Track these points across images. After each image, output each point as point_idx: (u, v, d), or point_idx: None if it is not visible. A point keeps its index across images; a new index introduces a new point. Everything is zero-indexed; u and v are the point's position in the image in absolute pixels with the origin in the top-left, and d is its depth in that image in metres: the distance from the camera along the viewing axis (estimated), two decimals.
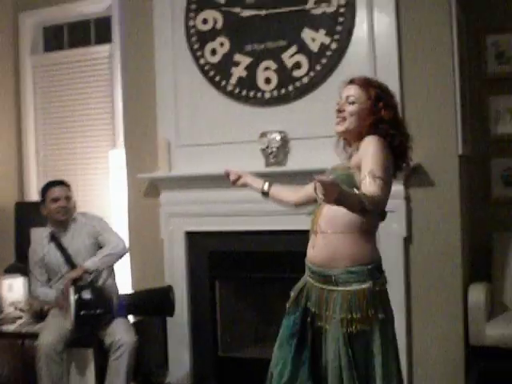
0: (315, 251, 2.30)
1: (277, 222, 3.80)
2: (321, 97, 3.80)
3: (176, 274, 4.11)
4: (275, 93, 3.93)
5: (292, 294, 2.41)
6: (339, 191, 1.86)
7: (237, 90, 4.01)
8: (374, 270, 2.27)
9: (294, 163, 3.88)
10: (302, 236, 3.54)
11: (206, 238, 4.04)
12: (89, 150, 4.99)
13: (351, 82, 2.38)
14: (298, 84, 3.88)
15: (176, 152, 4.10)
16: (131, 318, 3.84)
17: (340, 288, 2.24)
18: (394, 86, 3.47)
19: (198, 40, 4.09)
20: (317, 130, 3.75)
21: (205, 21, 4.07)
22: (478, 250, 4.00)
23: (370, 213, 2.01)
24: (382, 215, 2.27)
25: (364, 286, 2.22)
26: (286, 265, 3.83)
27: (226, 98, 4.04)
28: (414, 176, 3.64)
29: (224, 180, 2.91)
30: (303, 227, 3.27)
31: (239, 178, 2.68)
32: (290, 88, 3.90)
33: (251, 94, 3.99)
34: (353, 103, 2.32)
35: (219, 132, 4.02)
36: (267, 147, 3.89)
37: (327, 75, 3.78)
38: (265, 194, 2.63)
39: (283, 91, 3.92)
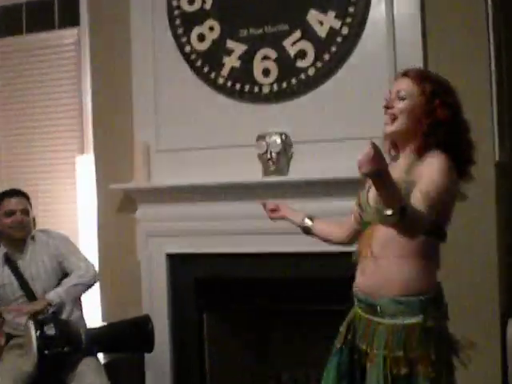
0: (365, 278, 2.19)
1: (277, 243, 3.56)
2: (330, 92, 3.55)
3: (156, 303, 3.87)
4: (275, 87, 3.63)
5: (341, 329, 2.29)
6: (385, 167, 1.77)
7: (229, 84, 3.71)
8: (429, 301, 2.11)
9: (297, 172, 3.60)
10: (308, 259, 3.51)
11: (192, 261, 3.83)
12: (52, 154, 4.66)
13: (404, 74, 2.21)
14: (302, 76, 3.57)
15: (156, 158, 3.86)
16: (102, 356, 3.62)
17: (386, 320, 2.12)
18: None
19: (183, 23, 3.80)
20: (326, 132, 3.53)
21: (191, 0, 3.78)
22: None
23: (407, 228, 1.90)
24: (442, 236, 2.15)
25: (414, 320, 2.08)
26: (289, 294, 3.65)
27: (216, 92, 3.76)
28: None
29: (216, 192, 3.11)
30: (308, 249, 3.30)
31: (276, 209, 2.61)
32: (294, 81, 3.59)
33: (246, 88, 3.68)
34: (403, 99, 2.15)
35: (208, 134, 3.76)
36: (266, 152, 3.61)
37: (337, 66, 3.51)
38: (306, 230, 2.52)
39: (285, 85, 3.61)
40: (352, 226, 2.38)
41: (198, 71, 3.75)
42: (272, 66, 3.60)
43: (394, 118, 2.14)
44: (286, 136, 3.59)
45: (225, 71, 3.68)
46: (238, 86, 3.69)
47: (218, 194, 3.62)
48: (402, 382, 2.06)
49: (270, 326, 3.98)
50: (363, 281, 2.19)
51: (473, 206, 3.28)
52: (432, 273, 2.16)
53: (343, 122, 3.49)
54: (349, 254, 2.98)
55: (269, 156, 3.58)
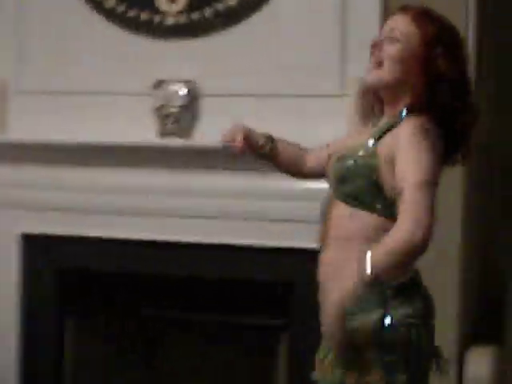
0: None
1: (177, 229, 3.16)
2: (254, 31, 3.12)
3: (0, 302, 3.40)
4: (183, 18, 3.14)
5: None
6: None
7: (121, 9, 3.16)
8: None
9: (205, 135, 3.09)
10: (218, 253, 3.12)
11: (56, 247, 3.29)
12: None
13: (402, 10, 1.90)
14: (219, 7, 3.08)
15: (16, 102, 3.31)
16: None
17: None
18: (373, 23, 2.91)
19: None
20: (246, 83, 3.11)
21: None
22: (486, 299, 3.47)
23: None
24: None
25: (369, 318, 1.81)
26: (185, 297, 3.24)
27: (103, 20, 3.20)
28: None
29: (94, 155, 2.92)
30: (219, 240, 3.04)
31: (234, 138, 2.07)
32: (208, 12, 3.11)
33: (144, 16, 3.16)
34: (397, 41, 1.83)
35: (89, 75, 3.21)
36: (164, 105, 3.13)
37: None
38: (266, 152, 2.10)
39: (196, 16, 3.12)
40: (316, 160, 2.05)
41: None
42: None
43: (378, 64, 1.84)
44: (194, 85, 3.11)
45: None
46: (132, 13, 3.16)
47: (96, 157, 3.14)
48: None
49: (160, 337, 3.51)
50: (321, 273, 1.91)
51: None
52: None
53: (273, 72, 3.08)
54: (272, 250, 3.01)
55: (168, 111, 3.11)
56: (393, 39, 1.83)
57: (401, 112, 1.81)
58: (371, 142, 1.83)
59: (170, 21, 3.11)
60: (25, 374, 3.37)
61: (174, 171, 3.15)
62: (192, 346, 3.54)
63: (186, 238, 3.15)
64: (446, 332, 2.85)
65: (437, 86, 1.79)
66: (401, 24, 1.85)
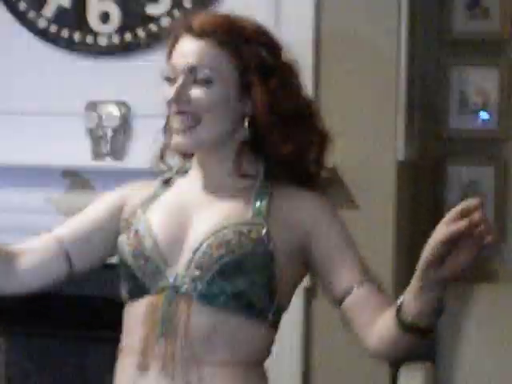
0: None
1: None
2: None
3: None
4: (116, 38, 3.11)
5: None
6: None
7: (53, 29, 3.13)
8: None
9: (138, 156, 3.00)
10: None
11: None
12: None
13: (192, 31, 1.34)
14: (153, 27, 3.05)
15: None
16: None
17: None
18: (305, 57, 2.67)
19: None
20: None
21: None
22: None
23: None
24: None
25: None
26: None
27: (35, 39, 3.16)
28: (329, 191, 2.78)
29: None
30: None
31: None
32: (141, 33, 3.07)
33: (76, 36, 3.12)
34: (209, 82, 1.33)
35: (20, 94, 3.15)
36: (98, 127, 3.09)
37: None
38: None
39: (129, 37, 3.10)
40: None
41: (13, 9, 3.11)
42: (113, 10, 3.06)
43: (194, 122, 1.31)
44: (127, 107, 3.07)
45: (48, 11, 3.10)
46: (65, 33, 3.10)
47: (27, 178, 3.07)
48: None
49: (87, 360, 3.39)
50: None
51: (367, 218, 2.93)
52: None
53: None
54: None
55: (101, 132, 3.06)
56: (201, 80, 1.34)
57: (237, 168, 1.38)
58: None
59: (102, 41, 3.08)
60: None
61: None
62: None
63: None
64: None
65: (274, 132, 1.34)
66: (204, 54, 1.35)
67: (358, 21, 3.01)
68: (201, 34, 1.31)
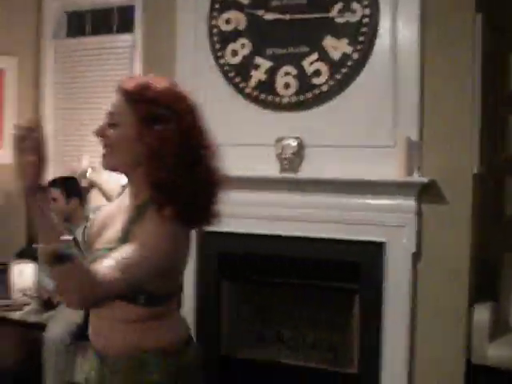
0: (92, 331, 1.80)
1: (288, 227, 3.91)
2: (339, 106, 3.86)
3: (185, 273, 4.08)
4: (293, 98, 3.94)
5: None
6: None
7: (255, 93, 4.03)
8: (157, 357, 1.74)
9: (307, 171, 3.93)
10: (304, 243, 3.83)
11: (215, 238, 3.83)
12: None
13: (120, 88, 1.67)
14: (316, 91, 3.89)
15: None
16: None
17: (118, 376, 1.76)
18: (413, 99, 3.63)
19: (220, 40, 4.10)
20: (332, 139, 3.85)
21: (228, 21, 4.08)
22: (487, 269, 4.00)
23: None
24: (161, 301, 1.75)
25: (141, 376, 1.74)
26: (290, 270, 3.95)
27: (244, 100, 4.05)
28: (426, 192, 3.70)
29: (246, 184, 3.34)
30: (304, 234, 3.77)
31: None
32: (309, 95, 3.91)
33: (269, 98, 4.00)
34: (115, 125, 1.64)
35: (236, 133, 3.97)
36: (282, 152, 3.91)
37: (347, 85, 3.82)
38: None
39: (302, 98, 3.93)
40: None
41: (230, 81, 4.04)
42: (292, 81, 3.89)
43: (107, 151, 1.65)
44: (300, 140, 3.88)
45: (252, 82, 3.98)
46: (262, 96, 3.97)
47: (247, 185, 3.88)
48: None
49: (272, 295, 4.18)
50: (91, 334, 1.79)
51: (452, 209, 3.63)
52: (161, 330, 1.74)
53: (347, 132, 3.79)
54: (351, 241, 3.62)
55: (284, 156, 3.88)
56: (111, 123, 1.61)
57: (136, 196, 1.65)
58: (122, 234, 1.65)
59: (285, 100, 3.90)
60: (197, 311, 4.11)
61: (291, 193, 3.85)
62: (296, 301, 4.14)
63: (296, 233, 3.86)
64: (460, 293, 3.61)
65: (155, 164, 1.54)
66: (117, 104, 1.62)
67: None
68: (120, 91, 1.62)
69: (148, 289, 1.61)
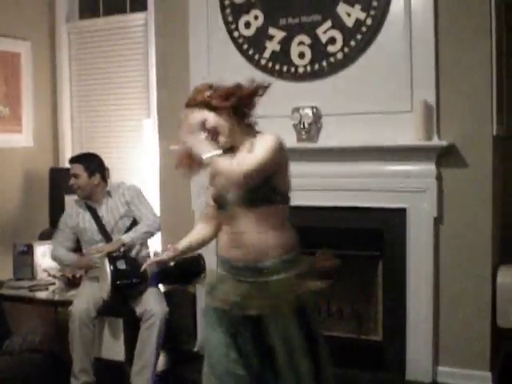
0: (244, 249, 2.38)
1: (314, 198, 3.87)
2: (354, 73, 3.82)
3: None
4: (309, 68, 3.93)
5: (217, 293, 2.47)
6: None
7: (270, 64, 4.01)
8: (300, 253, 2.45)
9: (325, 140, 3.90)
10: (324, 212, 3.83)
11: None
12: (123, 118, 5.04)
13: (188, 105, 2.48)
14: (331, 59, 3.87)
15: None
16: (162, 287, 3.93)
17: (273, 278, 2.37)
18: (429, 64, 3.59)
19: (232, 12, 4.09)
20: (349, 107, 3.81)
21: None
22: (510, 232, 3.98)
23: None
24: (287, 200, 2.45)
25: (296, 271, 2.38)
26: (310, 240, 3.67)
27: (259, 71, 3.99)
28: (446, 156, 3.67)
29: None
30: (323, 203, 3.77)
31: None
32: (324, 63, 3.89)
33: (284, 68, 3.98)
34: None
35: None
36: (299, 123, 3.88)
37: (361, 51, 3.79)
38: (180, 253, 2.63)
39: (317, 67, 3.91)
40: (213, 221, 2.55)
41: (244, 53, 4.04)
42: (306, 51, 3.88)
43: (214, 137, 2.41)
44: (317, 109, 3.85)
45: (266, 54, 3.97)
46: (277, 67, 3.95)
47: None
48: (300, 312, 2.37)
49: None
50: (243, 252, 2.37)
51: (473, 173, 3.60)
52: (293, 231, 2.46)
53: (363, 99, 3.76)
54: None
55: (301, 126, 3.86)
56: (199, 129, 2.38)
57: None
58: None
59: (300, 70, 3.89)
60: None
61: (306, 163, 3.75)
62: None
63: (316, 203, 3.83)
64: (484, 256, 3.60)
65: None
66: (197, 116, 2.40)
67: None
68: (190, 106, 2.44)
69: (275, 183, 2.29)
